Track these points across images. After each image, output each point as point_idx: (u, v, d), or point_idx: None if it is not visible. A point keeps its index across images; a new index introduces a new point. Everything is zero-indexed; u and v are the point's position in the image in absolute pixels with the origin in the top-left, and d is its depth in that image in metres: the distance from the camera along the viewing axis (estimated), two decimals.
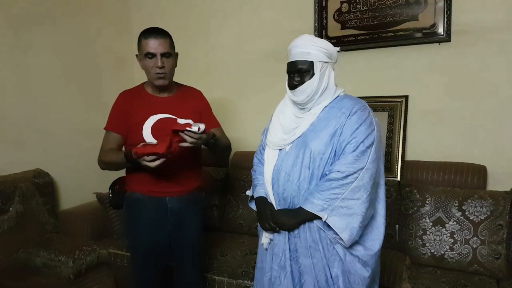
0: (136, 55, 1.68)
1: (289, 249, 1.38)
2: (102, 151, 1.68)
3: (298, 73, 1.35)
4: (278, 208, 1.41)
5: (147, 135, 1.64)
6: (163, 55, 1.60)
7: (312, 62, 1.33)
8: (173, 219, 1.71)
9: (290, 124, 1.42)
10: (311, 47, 1.33)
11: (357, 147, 1.28)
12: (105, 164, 1.67)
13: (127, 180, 1.76)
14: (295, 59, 1.36)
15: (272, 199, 1.43)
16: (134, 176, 1.70)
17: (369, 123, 1.31)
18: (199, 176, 1.82)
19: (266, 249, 1.46)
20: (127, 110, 1.67)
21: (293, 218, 1.35)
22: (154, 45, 1.58)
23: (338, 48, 1.39)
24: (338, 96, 1.39)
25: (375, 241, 1.35)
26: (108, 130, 1.70)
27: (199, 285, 1.92)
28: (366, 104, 1.39)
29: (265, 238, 1.45)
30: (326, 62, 1.35)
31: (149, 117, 1.65)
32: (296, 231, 1.37)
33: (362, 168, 1.27)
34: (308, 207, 1.30)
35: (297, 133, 1.38)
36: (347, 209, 1.27)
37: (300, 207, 1.33)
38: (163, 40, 1.61)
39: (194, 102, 1.80)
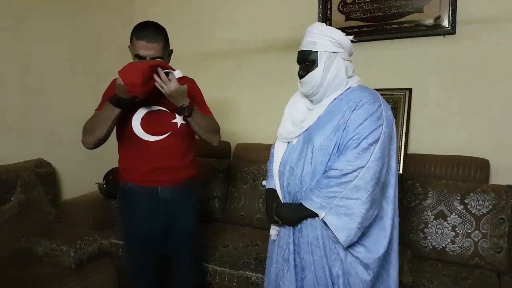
0: (129, 46, 1.63)
1: (293, 243, 1.37)
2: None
3: (305, 63, 1.33)
4: (284, 201, 1.40)
5: (137, 127, 1.61)
6: (153, 59, 1.55)
7: (317, 52, 1.29)
8: (165, 209, 1.69)
9: (299, 116, 1.40)
10: (317, 36, 1.29)
11: (359, 144, 1.22)
12: (89, 135, 1.56)
13: (120, 171, 1.74)
14: (302, 49, 1.33)
15: (279, 192, 1.42)
16: (126, 166, 1.69)
17: (376, 117, 1.23)
18: (192, 166, 1.77)
19: (274, 240, 1.46)
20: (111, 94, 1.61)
21: (294, 213, 1.33)
22: (145, 48, 1.52)
23: (351, 37, 1.33)
24: (349, 87, 1.33)
25: (379, 244, 1.30)
26: (97, 110, 1.64)
27: (196, 276, 1.91)
28: (379, 96, 1.31)
29: (272, 230, 1.46)
30: (334, 52, 1.29)
31: (137, 109, 1.62)
32: (299, 226, 1.35)
33: (363, 167, 1.21)
34: (307, 204, 1.28)
35: (304, 126, 1.35)
36: (346, 208, 1.23)
37: (301, 203, 1.31)
38: (155, 44, 1.54)
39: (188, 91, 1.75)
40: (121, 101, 1.48)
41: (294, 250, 1.37)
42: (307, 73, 1.32)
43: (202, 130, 1.67)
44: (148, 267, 1.75)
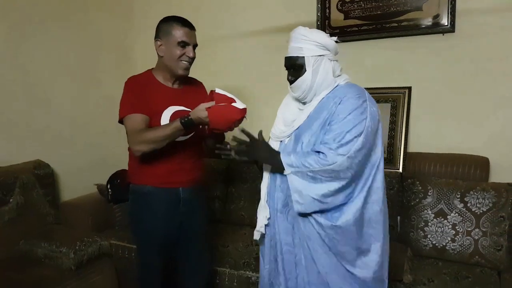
0: (157, 40, 1.63)
1: (283, 242, 1.40)
2: (137, 133, 1.54)
3: (293, 68, 1.35)
4: (278, 199, 1.41)
5: None
6: (194, 46, 1.64)
7: (304, 57, 1.32)
8: (184, 210, 1.72)
9: (291, 117, 1.42)
10: (303, 42, 1.31)
11: (343, 137, 1.24)
12: (152, 143, 1.52)
13: (133, 174, 1.73)
14: (289, 55, 1.35)
15: (264, 191, 1.44)
16: (143, 169, 1.67)
17: (360, 112, 1.26)
18: (203, 166, 1.84)
19: (256, 240, 1.48)
20: (142, 95, 1.62)
21: (267, 153, 1.36)
22: (190, 35, 1.61)
23: (335, 38, 1.35)
24: (337, 85, 1.36)
25: (340, 214, 1.29)
26: (133, 113, 1.58)
27: (210, 274, 1.95)
28: (365, 92, 1.33)
29: (256, 232, 1.47)
30: (320, 55, 1.31)
31: (166, 107, 1.64)
32: (290, 226, 1.37)
33: (343, 155, 1.23)
34: (282, 156, 1.30)
35: (295, 125, 1.38)
36: (314, 179, 1.26)
37: (279, 152, 1.34)
38: (195, 33, 1.66)
39: (201, 96, 1.80)
40: (194, 125, 1.50)
41: (287, 250, 1.39)
42: (296, 78, 1.34)
43: (213, 142, 1.77)
44: (161, 267, 1.76)
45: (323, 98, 1.34)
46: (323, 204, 1.27)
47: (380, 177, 1.32)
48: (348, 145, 1.23)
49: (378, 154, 1.32)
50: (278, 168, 1.34)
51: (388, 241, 1.39)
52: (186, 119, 1.47)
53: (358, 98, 1.28)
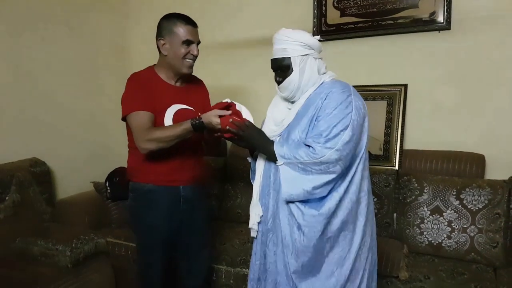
0: (160, 39, 1.61)
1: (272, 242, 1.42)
2: (145, 131, 1.54)
3: (280, 69, 1.37)
4: (270, 196, 1.42)
5: (169, 124, 1.63)
6: (197, 43, 1.64)
7: (290, 57, 1.34)
8: (185, 208, 1.72)
9: (281, 116, 1.45)
10: (287, 43, 1.33)
11: (330, 131, 1.26)
12: (161, 142, 1.52)
13: (133, 172, 1.73)
14: (274, 57, 1.37)
15: (257, 189, 1.46)
16: (143, 167, 1.66)
17: (345, 106, 1.28)
18: (204, 164, 1.84)
19: (254, 237, 1.49)
20: (146, 92, 1.61)
21: (262, 140, 1.37)
22: (193, 33, 1.60)
23: (318, 37, 1.38)
24: (323, 82, 1.39)
25: (324, 201, 1.31)
26: (139, 110, 1.57)
27: (209, 271, 1.97)
28: (350, 87, 1.35)
29: (252, 230, 1.48)
30: (305, 54, 1.34)
31: (169, 105, 1.64)
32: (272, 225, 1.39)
33: (331, 148, 1.25)
34: (276, 145, 1.33)
35: (285, 124, 1.40)
36: (304, 171, 1.28)
37: (273, 140, 1.36)
38: (197, 29, 1.64)
39: (202, 95, 1.82)
40: (204, 129, 1.50)
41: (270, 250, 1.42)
42: (283, 79, 1.37)
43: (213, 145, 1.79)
44: (163, 265, 1.76)
45: (310, 95, 1.37)
46: (310, 196, 1.29)
47: (360, 169, 1.34)
48: (335, 138, 1.25)
49: (362, 147, 1.34)
50: (270, 157, 1.36)
51: (368, 236, 1.38)
52: (197, 121, 1.47)
53: (342, 92, 1.30)
